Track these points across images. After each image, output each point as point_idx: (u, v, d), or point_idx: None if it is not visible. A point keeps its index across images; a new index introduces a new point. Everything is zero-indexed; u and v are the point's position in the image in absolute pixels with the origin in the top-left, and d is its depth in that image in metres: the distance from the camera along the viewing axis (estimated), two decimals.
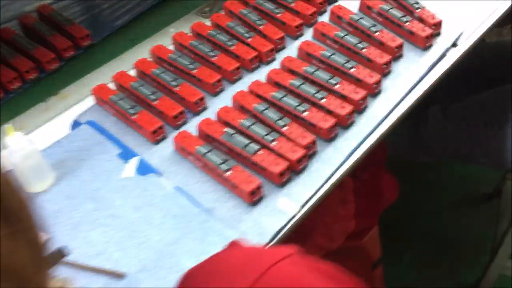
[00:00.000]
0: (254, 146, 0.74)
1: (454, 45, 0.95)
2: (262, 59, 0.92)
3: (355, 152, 0.78)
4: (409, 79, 0.88)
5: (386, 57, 0.88)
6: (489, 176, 1.65)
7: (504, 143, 1.17)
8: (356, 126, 0.81)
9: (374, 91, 0.85)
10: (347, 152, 0.77)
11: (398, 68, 0.90)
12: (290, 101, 0.81)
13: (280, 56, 0.93)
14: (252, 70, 0.91)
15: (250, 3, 1.01)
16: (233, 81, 0.90)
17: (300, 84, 0.83)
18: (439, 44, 0.93)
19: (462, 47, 0.94)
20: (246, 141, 0.75)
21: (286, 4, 1.00)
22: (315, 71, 0.85)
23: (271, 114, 0.79)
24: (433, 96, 0.96)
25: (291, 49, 0.94)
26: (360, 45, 0.90)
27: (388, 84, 0.87)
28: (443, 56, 0.92)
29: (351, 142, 0.79)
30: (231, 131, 0.77)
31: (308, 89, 0.82)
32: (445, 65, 0.91)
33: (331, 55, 0.88)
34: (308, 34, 0.98)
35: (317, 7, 1.01)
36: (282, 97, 0.81)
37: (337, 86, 0.83)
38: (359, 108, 0.82)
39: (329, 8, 1.00)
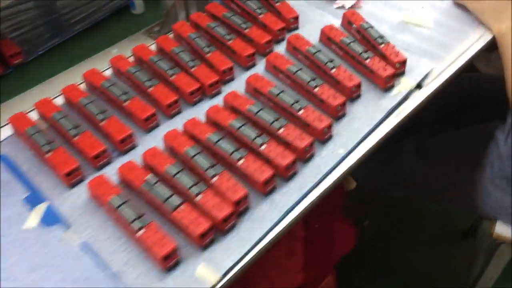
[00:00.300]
0: (175, 200, 0.65)
1: (418, 86, 0.86)
2: (205, 92, 0.83)
3: (294, 209, 0.69)
4: (364, 124, 0.79)
5: (340, 99, 0.79)
6: (465, 213, 1.57)
7: (476, 189, 1.09)
8: (299, 177, 0.72)
9: (323, 137, 0.76)
10: (284, 209, 0.68)
11: (354, 110, 0.81)
12: (226, 146, 0.71)
13: (227, 89, 0.85)
14: (193, 103, 0.82)
15: (201, 26, 0.92)
16: (170, 116, 0.80)
17: (240, 126, 0.74)
18: (402, 85, 0.85)
19: (428, 89, 0.86)
20: (168, 193, 0.66)
21: (239, 30, 0.91)
22: (259, 111, 0.76)
23: (202, 161, 0.69)
24: (408, 127, 0.87)
25: (241, 81, 0.85)
26: (313, 83, 0.81)
27: (340, 129, 0.78)
28: (405, 98, 0.84)
29: (290, 197, 0.69)
30: (154, 179, 0.67)
31: (248, 133, 0.73)
32: (408, 108, 0.83)
33: (279, 93, 0.79)
34: (262, 65, 0.89)
35: (273, 35, 0.92)
36: (218, 140, 0.72)
37: (281, 131, 0.74)
38: (304, 157, 0.73)
39: (288, 36, 0.92)
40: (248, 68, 0.88)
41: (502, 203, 1.05)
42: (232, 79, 0.86)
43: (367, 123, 0.79)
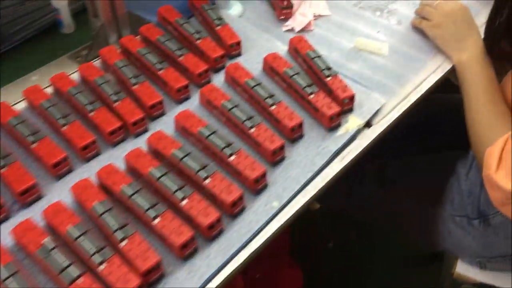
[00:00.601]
0: (74, 271, 0.56)
1: (368, 124, 0.78)
2: (129, 131, 0.74)
3: (217, 274, 0.60)
4: (305, 170, 0.70)
5: (278, 142, 0.70)
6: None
7: (437, 224, 1.02)
8: (225, 237, 0.63)
9: (256, 188, 0.67)
10: (205, 277, 0.59)
11: (294, 153, 0.72)
12: (141, 201, 0.62)
13: (156, 127, 0.75)
14: (114, 144, 0.73)
15: (131, 52, 0.82)
16: (86, 159, 0.71)
17: (161, 176, 0.65)
18: (350, 123, 0.76)
19: (377, 128, 0.78)
20: (66, 262, 0.56)
21: (173, 57, 0.82)
22: (184, 156, 0.67)
23: (111, 220, 0.60)
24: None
25: (172, 118, 0.76)
26: (248, 123, 0.72)
27: (277, 176, 0.70)
28: (352, 139, 0.75)
29: (213, 261, 0.61)
30: (50, 245, 0.58)
31: (169, 185, 0.64)
32: (354, 150, 0.74)
33: (209, 134, 0.70)
34: (197, 98, 0.80)
35: (211, 63, 0.83)
36: (133, 193, 0.63)
37: (207, 181, 0.65)
38: (232, 212, 0.65)
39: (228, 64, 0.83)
40: (181, 101, 0.79)
41: (463, 243, 0.98)
42: (162, 115, 0.77)
43: (308, 169, 0.71)
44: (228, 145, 0.69)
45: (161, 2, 0.92)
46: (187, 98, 0.79)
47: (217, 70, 0.84)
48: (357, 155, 0.73)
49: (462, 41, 0.86)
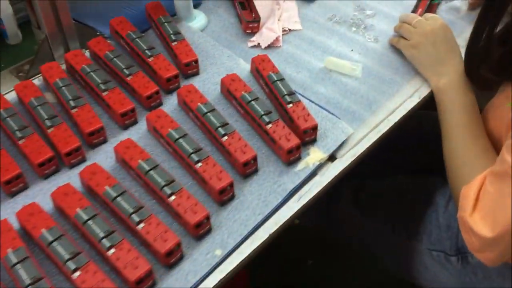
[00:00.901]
0: None
1: (331, 158, 0.70)
2: (63, 162, 0.67)
3: None
4: (256, 212, 0.62)
5: (226, 180, 0.62)
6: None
7: (413, 256, 0.94)
8: None
9: (197, 233, 0.59)
10: None
11: (246, 191, 0.64)
12: (62, 252, 0.55)
13: (96, 157, 0.67)
14: (45, 176, 0.65)
15: (75, 69, 0.74)
16: (10, 194, 0.63)
17: (87, 220, 0.57)
18: (311, 157, 0.69)
19: (342, 162, 0.70)
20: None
21: (122, 76, 0.74)
22: (118, 196, 0.59)
23: (23, 274, 0.53)
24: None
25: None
26: (194, 157, 0.63)
27: (224, 218, 0.62)
28: (313, 175, 0.68)
29: None
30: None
31: (96, 230, 0.56)
32: (315, 188, 0.66)
33: (150, 169, 0.62)
34: (142, 126, 0.72)
35: (163, 84, 0.75)
36: (53, 240, 0.55)
37: (140, 226, 0.57)
38: (167, 262, 0.57)
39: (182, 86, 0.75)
40: (126, 127, 0.71)
41: (439, 279, 0.90)
42: (103, 142, 0.70)
43: (259, 211, 0.63)
44: (170, 182, 0.61)
45: (117, 12, 0.85)
46: (133, 123, 0.72)
47: (170, 92, 0.76)
48: (316, 193, 0.65)
49: (441, 64, 0.79)
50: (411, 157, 1.14)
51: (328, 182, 0.67)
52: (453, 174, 0.76)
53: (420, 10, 0.89)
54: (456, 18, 0.91)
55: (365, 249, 1.10)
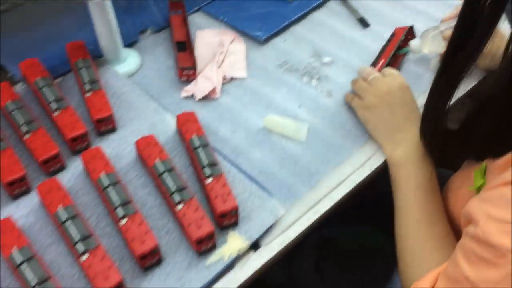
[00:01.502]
0: None
1: (255, 246, 0.59)
2: None
3: None
4: None
5: (115, 278, 0.51)
6: None
7: None
8: None
9: None
10: None
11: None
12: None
13: None
14: None
15: None
16: None
17: None
18: (229, 246, 0.57)
19: (269, 251, 0.58)
20: None
21: (19, 134, 0.63)
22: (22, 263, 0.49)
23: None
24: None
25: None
26: (80, 246, 0.53)
27: None
28: (229, 268, 0.57)
29: None
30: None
31: None
32: (230, 284, 0.56)
33: (23, 261, 0.51)
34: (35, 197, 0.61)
35: (70, 144, 0.64)
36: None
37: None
38: None
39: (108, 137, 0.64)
40: (15, 197, 0.61)
41: None
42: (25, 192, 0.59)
43: None
44: (43, 281, 0.50)
45: (38, 50, 0.74)
46: (25, 193, 0.61)
47: (77, 152, 0.65)
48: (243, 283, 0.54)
49: (397, 131, 0.67)
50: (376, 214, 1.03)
51: (248, 278, 0.56)
52: (403, 265, 0.64)
53: (382, 61, 0.77)
54: (425, 71, 0.80)
55: None
